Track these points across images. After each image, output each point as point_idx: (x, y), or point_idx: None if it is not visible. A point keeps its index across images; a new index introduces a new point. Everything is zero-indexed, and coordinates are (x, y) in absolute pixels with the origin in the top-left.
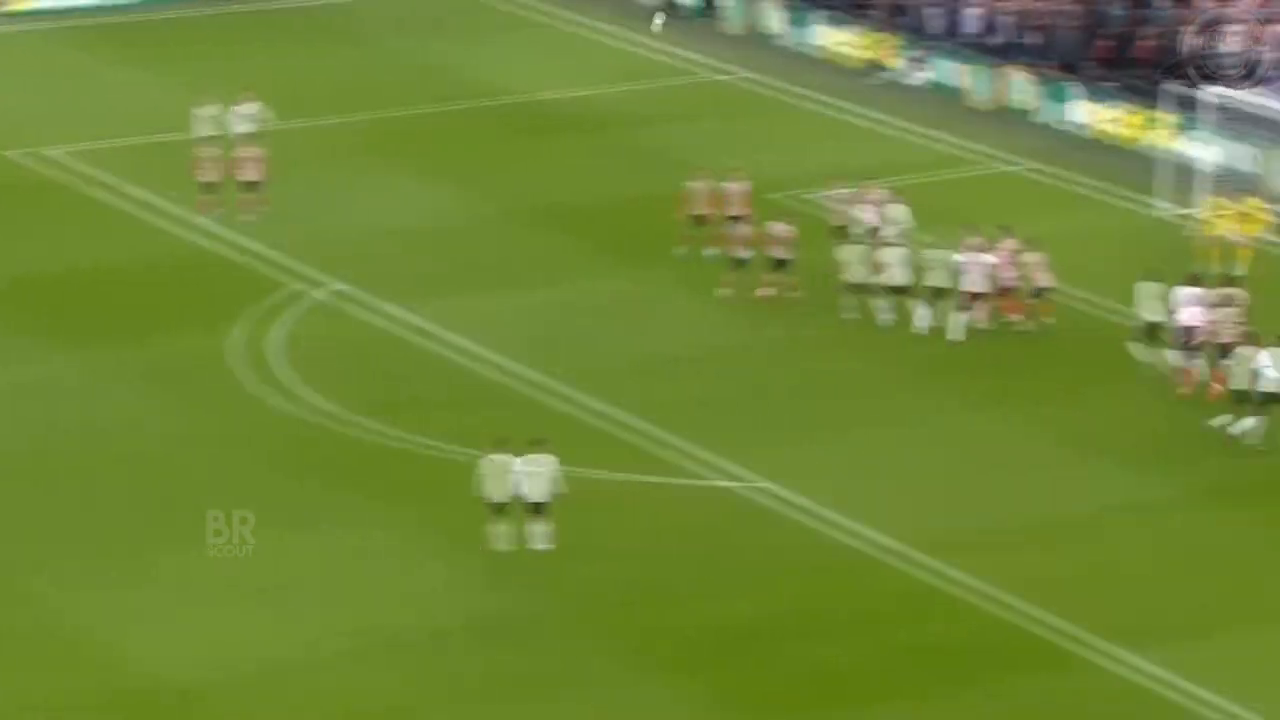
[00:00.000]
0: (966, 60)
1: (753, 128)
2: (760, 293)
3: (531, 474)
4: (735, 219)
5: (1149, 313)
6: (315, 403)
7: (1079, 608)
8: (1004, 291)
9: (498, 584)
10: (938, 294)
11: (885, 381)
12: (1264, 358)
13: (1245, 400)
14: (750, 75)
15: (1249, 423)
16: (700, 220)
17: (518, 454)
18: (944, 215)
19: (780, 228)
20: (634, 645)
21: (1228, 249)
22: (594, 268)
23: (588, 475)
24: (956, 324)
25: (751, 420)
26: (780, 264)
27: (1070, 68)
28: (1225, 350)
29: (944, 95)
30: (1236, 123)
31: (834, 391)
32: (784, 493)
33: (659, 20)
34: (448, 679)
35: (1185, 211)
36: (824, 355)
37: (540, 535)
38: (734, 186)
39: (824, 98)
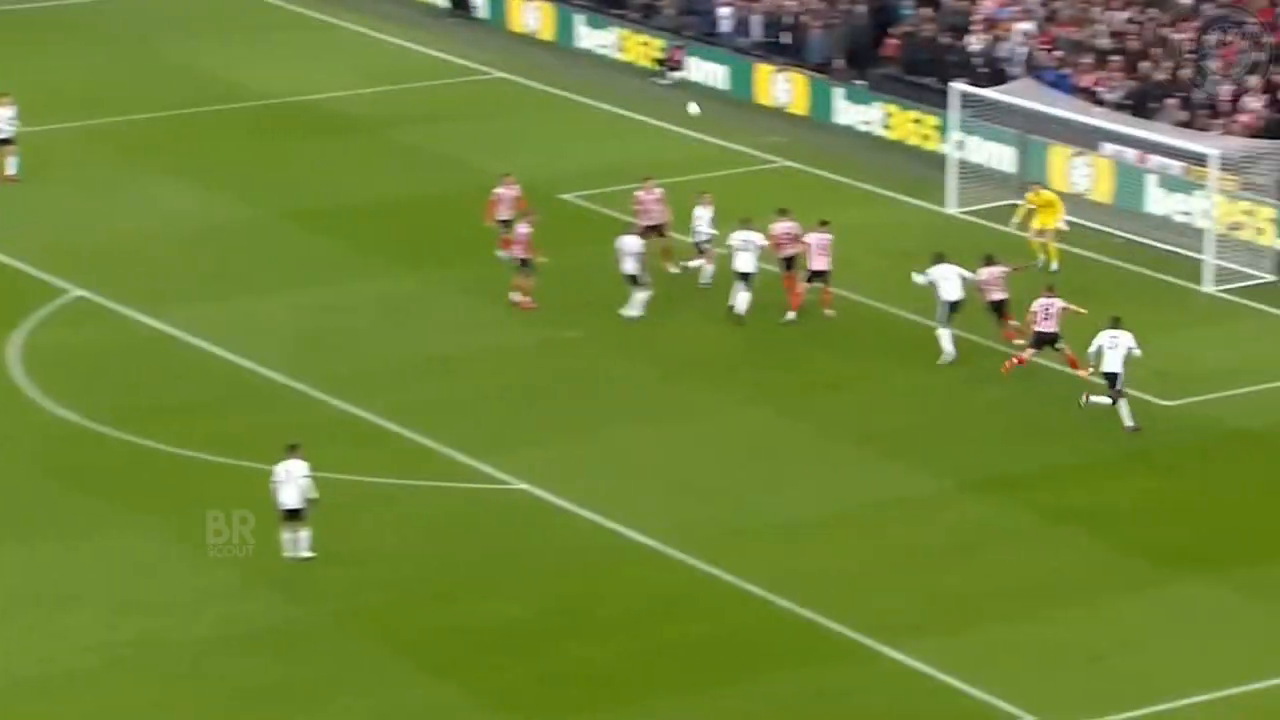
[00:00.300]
0: (735, 61)
1: (522, 127)
2: (513, 298)
3: (285, 481)
4: (507, 222)
5: (948, 293)
6: (68, 411)
7: (844, 602)
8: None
9: (261, 591)
10: (744, 278)
11: (652, 379)
12: (1104, 339)
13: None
14: (520, 76)
15: (1103, 400)
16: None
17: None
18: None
19: (521, 229)
20: (400, 649)
21: (1044, 241)
22: (359, 270)
23: (352, 479)
24: (742, 300)
25: (517, 421)
26: (524, 264)
27: (824, 67)
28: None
29: (714, 94)
30: (1004, 119)
31: (599, 390)
32: (548, 493)
33: (694, 107)
34: (213, 688)
35: (959, 209)
36: (589, 354)
37: (299, 541)
38: (507, 190)
39: (594, 98)
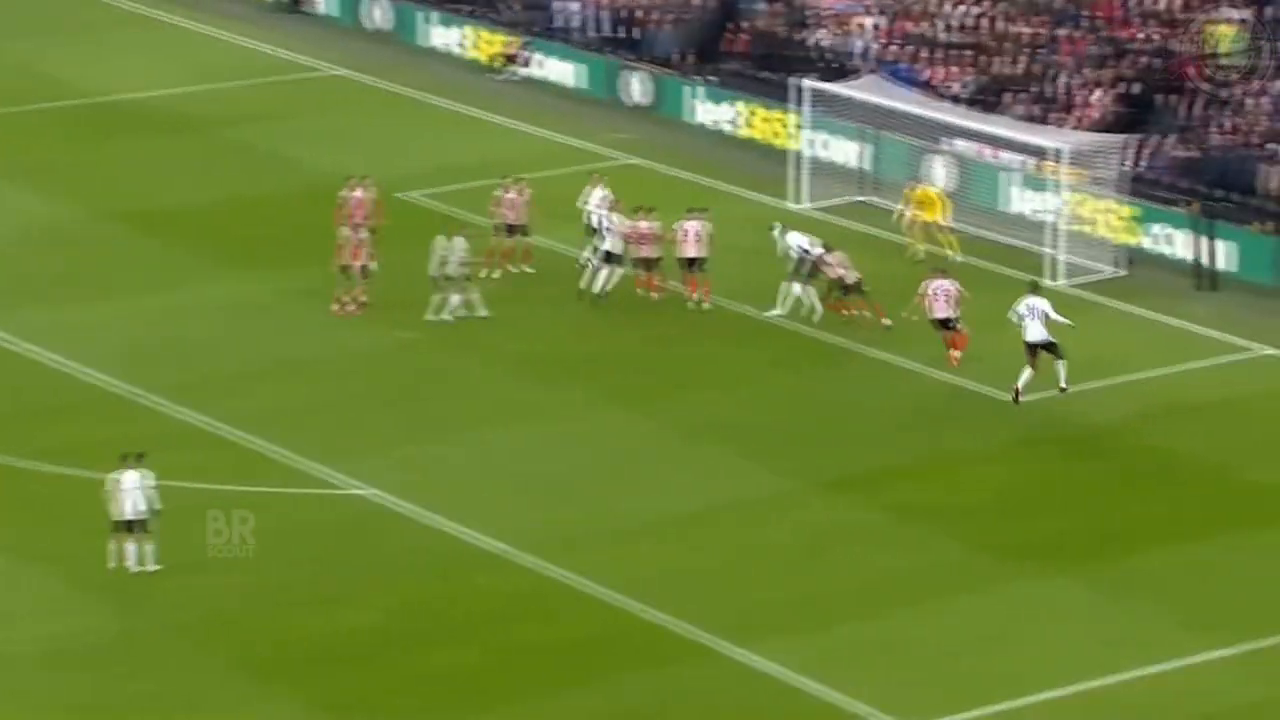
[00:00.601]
0: (581, 57)
1: (362, 125)
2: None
3: (124, 490)
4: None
5: (796, 252)
6: None
7: (695, 603)
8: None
9: (93, 603)
10: (609, 258)
11: (500, 379)
12: (1021, 307)
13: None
14: (361, 73)
15: (1025, 376)
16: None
17: (124, 470)
18: (566, 209)
19: (345, 232)
20: (241, 661)
21: (929, 234)
22: (197, 273)
23: (194, 487)
24: (608, 278)
25: (361, 425)
26: (346, 269)
27: (671, 63)
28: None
29: (561, 92)
30: (852, 114)
31: (446, 393)
32: (395, 498)
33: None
34: (39, 707)
35: (808, 205)
36: (435, 356)
37: (142, 554)
38: (363, 193)
39: (437, 95)
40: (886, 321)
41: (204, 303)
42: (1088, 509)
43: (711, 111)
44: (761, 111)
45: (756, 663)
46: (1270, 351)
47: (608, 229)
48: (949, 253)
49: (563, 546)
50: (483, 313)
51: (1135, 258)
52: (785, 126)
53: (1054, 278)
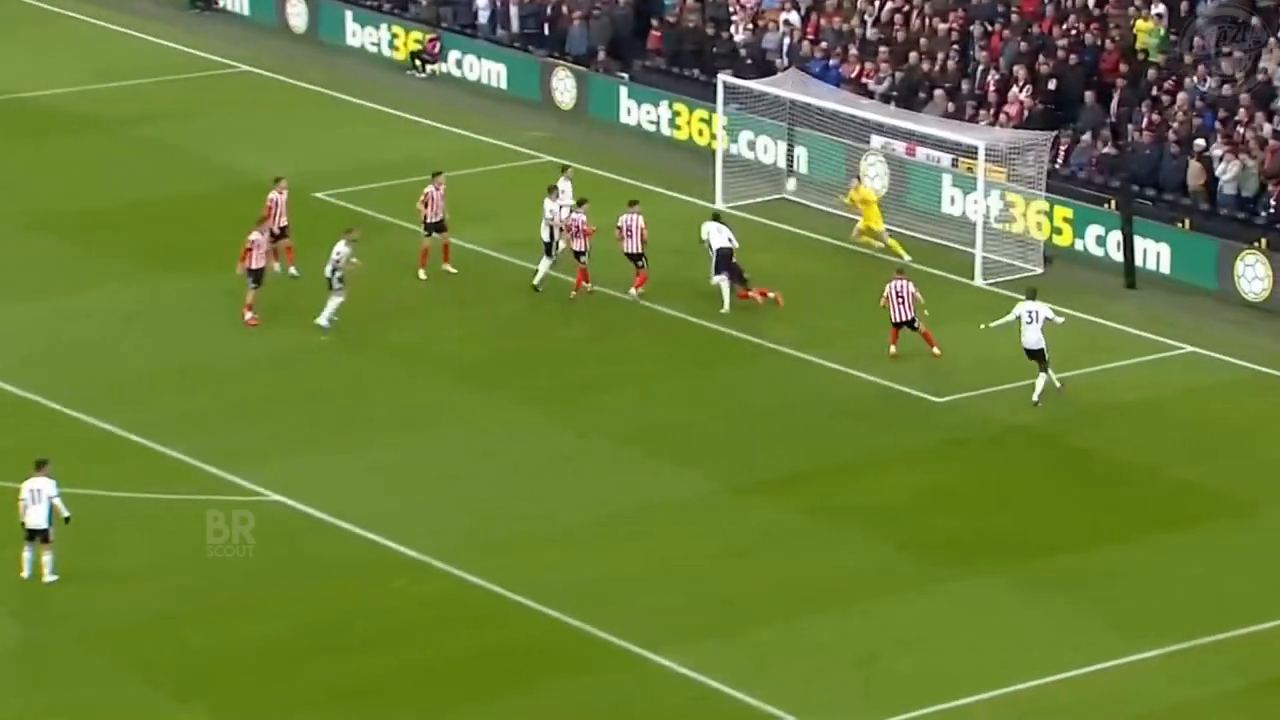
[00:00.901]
0: (494, 53)
1: (273, 124)
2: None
3: (33, 500)
4: (283, 230)
5: (717, 243)
6: None
7: (614, 609)
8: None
9: (9, 613)
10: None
11: (412, 384)
12: (1021, 311)
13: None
14: (272, 71)
15: (1040, 381)
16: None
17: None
18: (484, 209)
19: (256, 236)
20: (150, 673)
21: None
22: (102, 276)
23: (99, 495)
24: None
25: (271, 430)
26: (255, 274)
27: (585, 60)
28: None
29: (476, 89)
30: (771, 111)
31: (357, 397)
32: (305, 505)
33: (792, 183)
34: None
35: (727, 204)
36: (345, 360)
37: (43, 563)
38: (279, 195)
39: (349, 93)
40: (772, 295)
41: (109, 306)
42: (1012, 510)
43: (627, 108)
44: (683, 110)
45: (677, 669)
46: (1195, 350)
47: (547, 219)
48: (904, 256)
49: (478, 553)
50: (321, 320)
51: (1058, 256)
52: (702, 124)
53: (974, 277)
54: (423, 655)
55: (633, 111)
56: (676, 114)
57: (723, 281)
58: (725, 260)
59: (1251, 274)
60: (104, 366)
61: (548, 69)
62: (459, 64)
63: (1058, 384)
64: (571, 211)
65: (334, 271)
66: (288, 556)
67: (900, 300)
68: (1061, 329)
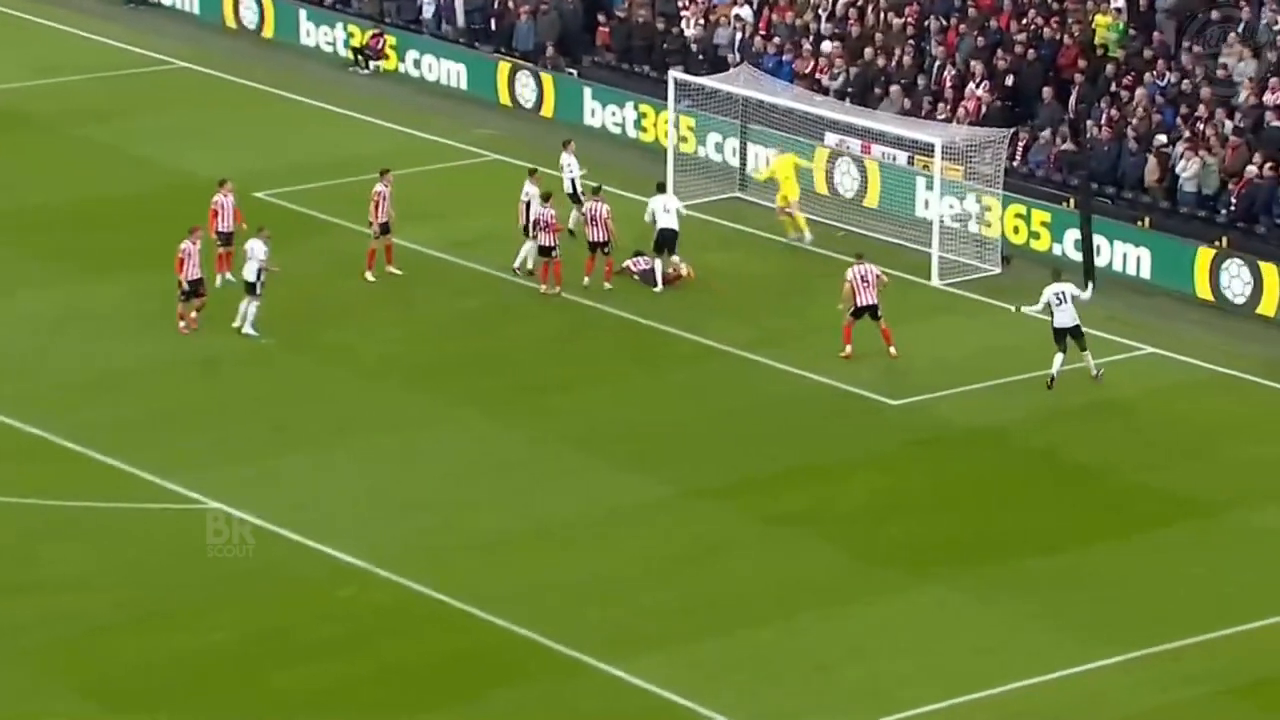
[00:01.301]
0: (441, 50)
1: (212, 122)
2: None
3: None
4: (228, 236)
5: (663, 221)
6: None
7: (562, 618)
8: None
9: None
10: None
11: (356, 388)
12: (1050, 295)
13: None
14: (211, 68)
15: (1058, 364)
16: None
17: None
18: (430, 209)
19: (186, 245)
20: (86, 687)
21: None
22: (34, 278)
23: (31, 503)
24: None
25: (209, 436)
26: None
27: (533, 56)
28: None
29: (422, 87)
30: (723, 108)
31: (299, 401)
32: (246, 513)
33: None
34: None
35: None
36: (286, 363)
37: None
38: (224, 198)
39: (291, 90)
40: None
41: (42, 310)
42: (967, 514)
43: (578, 105)
44: (630, 106)
45: (626, 678)
46: (1154, 351)
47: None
48: (794, 234)
49: (424, 561)
50: (247, 329)
51: (1016, 255)
52: (653, 121)
53: (931, 278)
54: (367, 665)
55: (582, 107)
56: (626, 111)
57: (656, 260)
58: (668, 242)
59: (1215, 274)
60: (37, 372)
61: (495, 66)
62: (408, 61)
63: (1093, 367)
64: (542, 205)
65: (259, 275)
66: (226, 565)
67: (865, 284)
68: (1019, 329)
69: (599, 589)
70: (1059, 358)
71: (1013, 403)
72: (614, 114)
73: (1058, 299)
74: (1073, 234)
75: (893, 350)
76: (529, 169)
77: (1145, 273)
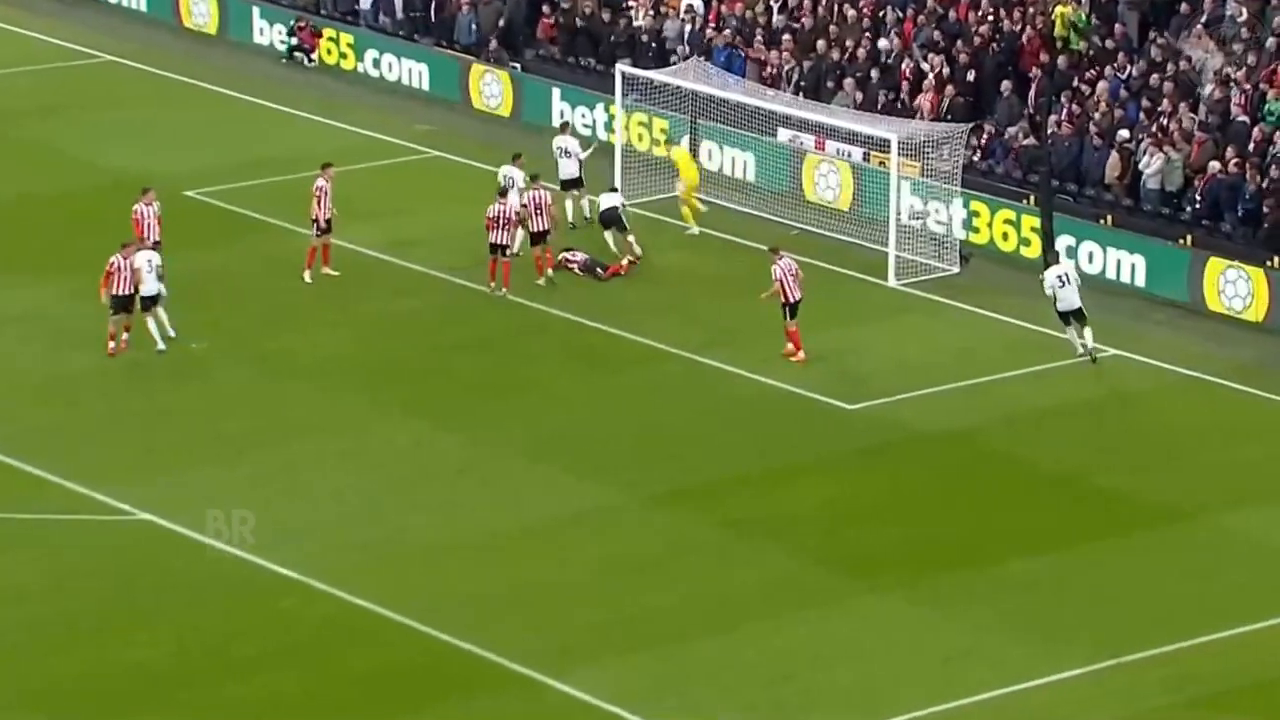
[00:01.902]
0: (381, 44)
1: (144, 118)
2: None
3: None
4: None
5: (606, 202)
6: None
7: (508, 630)
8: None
9: None
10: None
11: (291, 393)
12: (1051, 278)
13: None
14: (141, 62)
15: (1075, 340)
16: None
17: None
18: (370, 207)
19: (115, 259)
20: (34, 697)
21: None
22: None
23: None
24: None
25: (140, 445)
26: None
27: (474, 49)
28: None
29: (356, 80)
30: (672, 103)
31: (233, 408)
32: (179, 524)
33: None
34: None
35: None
36: (219, 369)
37: None
38: (146, 205)
39: (228, 86)
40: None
41: None
42: (929, 520)
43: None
44: (575, 101)
45: (574, 693)
46: (1118, 353)
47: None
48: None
49: (364, 571)
50: (161, 345)
51: (975, 254)
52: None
53: (887, 278)
54: (305, 679)
55: (531, 101)
56: (572, 106)
57: (608, 236)
58: (614, 222)
59: (1179, 274)
60: None
61: (435, 60)
62: (346, 57)
63: (1090, 346)
64: (530, 188)
65: (161, 279)
66: (159, 578)
67: (796, 279)
68: (981, 330)
69: (546, 599)
70: (1072, 332)
71: (973, 405)
72: (540, 102)
73: (1061, 281)
74: (1033, 232)
75: (799, 354)
76: (513, 154)
77: (1110, 273)
